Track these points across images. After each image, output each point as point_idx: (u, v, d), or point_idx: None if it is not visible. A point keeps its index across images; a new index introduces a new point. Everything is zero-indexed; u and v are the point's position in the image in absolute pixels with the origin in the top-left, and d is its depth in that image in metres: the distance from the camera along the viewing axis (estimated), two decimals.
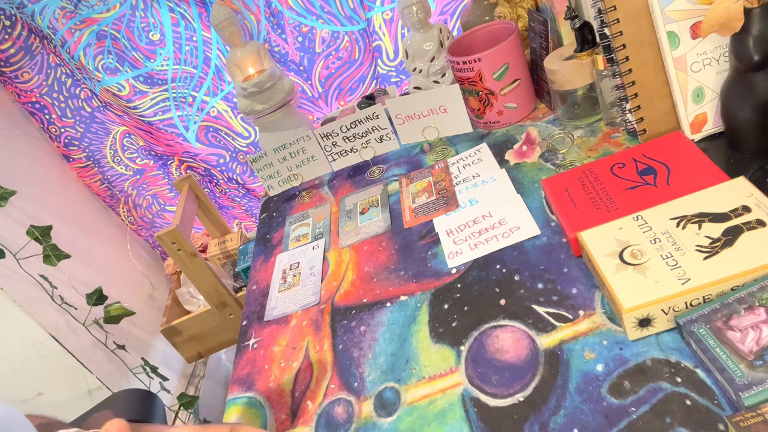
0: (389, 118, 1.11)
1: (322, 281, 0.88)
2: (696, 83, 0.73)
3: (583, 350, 0.58)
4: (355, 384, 0.68)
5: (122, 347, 1.44)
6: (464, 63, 0.96)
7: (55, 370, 1.31)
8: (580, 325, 0.61)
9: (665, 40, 0.71)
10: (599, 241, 0.62)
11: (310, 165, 1.17)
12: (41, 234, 1.31)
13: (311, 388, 0.71)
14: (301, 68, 1.50)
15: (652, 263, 0.57)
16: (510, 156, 0.93)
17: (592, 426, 0.51)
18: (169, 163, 1.70)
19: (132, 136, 1.64)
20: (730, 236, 0.56)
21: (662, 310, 0.54)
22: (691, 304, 0.54)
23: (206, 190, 1.75)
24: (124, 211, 1.77)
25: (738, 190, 0.61)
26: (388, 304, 0.77)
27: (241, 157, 1.67)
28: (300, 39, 1.44)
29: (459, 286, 0.74)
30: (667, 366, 0.53)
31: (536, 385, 0.57)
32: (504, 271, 0.72)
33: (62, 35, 1.39)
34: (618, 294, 0.56)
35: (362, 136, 1.12)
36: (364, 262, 0.87)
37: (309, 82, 1.53)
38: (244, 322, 0.89)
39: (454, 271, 0.77)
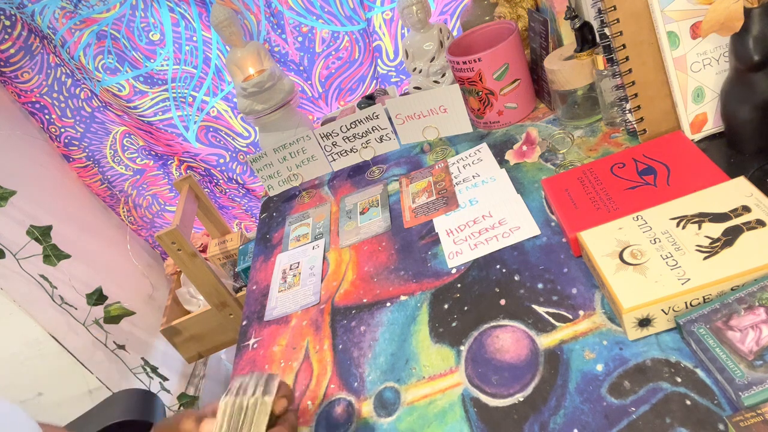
0: (389, 118, 1.11)
1: (322, 281, 0.88)
2: (696, 83, 0.73)
3: (583, 350, 0.58)
4: (355, 384, 0.68)
5: (122, 347, 1.44)
6: (464, 63, 0.96)
7: (55, 370, 1.31)
8: (580, 325, 0.61)
9: (665, 40, 0.71)
10: (599, 241, 0.62)
11: (310, 165, 1.17)
12: (41, 234, 1.31)
13: (311, 388, 0.71)
14: (301, 68, 1.50)
15: (652, 263, 0.57)
16: (510, 156, 0.93)
17: (592, 426, 0.51)
18: (169, 163, 1.70)
19: (132, 136, 1.64)
20: (730, 236, 0.56)
21: (662, 310, 0.54)
22: (691, 304, 0.54)
23: (206, 190, 1.75)
24: (124, 211, 1.77)
25: (738, 190, 0.61)
26: (388, 304, 0.77)
27: (241, 157, 1.67)
28: (300, 39, 1.44)
29: (459, 286, 0.74)
30: (667, 366, 0.53)
31: (536, 385, 0.57)
32: (504, 271, 0.72)
33: (62, 35, 1.39)
34: (618, 294, 0.56)
35: (362, 136, 1.12)
36: (364, 262, 0.87)
37: (309, 82, 1.53)
38: (244, 322, 0.89)
39: (454, 271, 0.77)
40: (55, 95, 1.53)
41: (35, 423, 0.46)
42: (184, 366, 1.70)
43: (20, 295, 1.26)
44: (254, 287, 0.97)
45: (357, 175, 1.14)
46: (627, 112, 0.80)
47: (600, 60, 0.80)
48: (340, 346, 0.74)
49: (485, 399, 0.59)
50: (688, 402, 0.49)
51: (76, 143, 1.61)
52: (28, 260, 1.28)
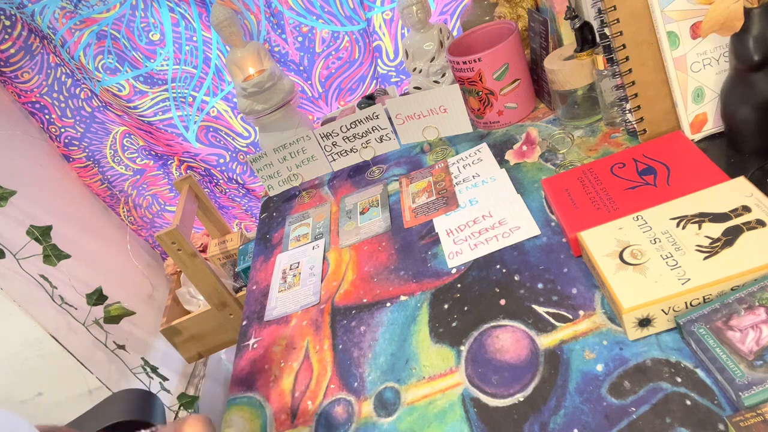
0: (389, 118, 1.11)
1: (322, 281, 0.88)
2: (696, 83, 0.73)
3: (583, 350, 0.58)
4: (355, 384, 0.68)
5: (122, 347, 1.44)
6: (464, 63, 0.96)
7: (55, 370, 1.31)
8: (580, 325, 0.61)
9: (665, 40, 0.71)
10: (599, 241, 0.62)
11: (310, 165, 1.17)
12: (41, 234, 1.31)
13: (311, 388, 0.71)
14: (301, 68, 1.49)
15: (652, 263, 0.57)
16: (510, 156, 0.93)
17: (592, 426, 0.51)
18: (169, 163, 1.70)
19: (132, 136, 1.64)
20: (730, 236, 0.56)
21: (662, 310, 0.54)
22: (691, 304, 0.54)
23: (206, 190, 1.75)
24: (124, 211, 1.77)
25: (738, 190, 0.61)
26: (388, 304, 0.77)
27: (241, 157, 1.67)
28: (300, 39, 1.44)
29: (459, 286, 0.74)
30: (667, 366, 0.53)
31: (536, 385, 0.57)
32: (504, 271, 0.72)
33: (62, 35, 1.39)
34: (618, 294, 0.56)
35: (362, 136, 1.12)
36: (364, 262, 0.87)
37: (309, 82, 1.53)
38: (244, 322, 0.89)
39: (454, 271, 0.77)
40: (55, 95, 1.53)
41: (30, 425, 0.46)
42: (184, 366, 1.70)
43: (20, 295, 1.26)
44: (254, 287, 0.97)
45: (357, 175, 1.14)
46: (627, 112, 0.80)
47: (600, 60, 0.80)
48: (340, 346, 0.74)
49: (485, 399, 0.59)
50: (688, 402, 0.49)
51: (76, 143, 1.61)
52: (28, 260, 1.28)
